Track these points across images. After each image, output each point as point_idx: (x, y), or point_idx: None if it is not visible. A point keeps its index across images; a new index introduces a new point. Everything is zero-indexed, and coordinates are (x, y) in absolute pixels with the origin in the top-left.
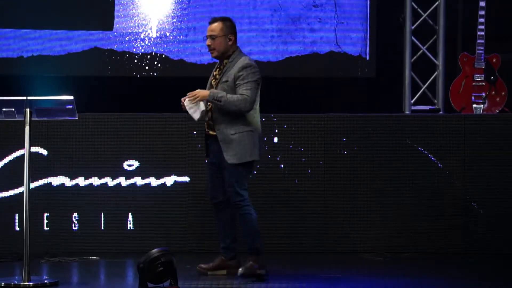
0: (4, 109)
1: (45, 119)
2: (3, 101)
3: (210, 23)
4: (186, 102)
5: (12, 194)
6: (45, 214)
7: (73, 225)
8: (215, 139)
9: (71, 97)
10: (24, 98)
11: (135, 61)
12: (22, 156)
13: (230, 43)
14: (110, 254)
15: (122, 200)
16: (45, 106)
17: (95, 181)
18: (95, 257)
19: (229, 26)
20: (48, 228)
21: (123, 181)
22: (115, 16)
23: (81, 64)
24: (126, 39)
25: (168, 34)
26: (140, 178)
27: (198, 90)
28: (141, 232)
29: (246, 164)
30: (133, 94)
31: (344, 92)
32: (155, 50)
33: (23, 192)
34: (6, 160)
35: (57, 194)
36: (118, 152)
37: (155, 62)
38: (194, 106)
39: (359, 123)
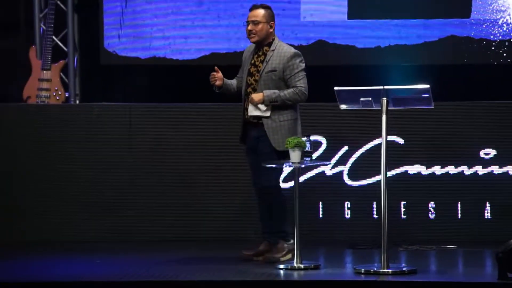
0: (362, 99)
1: (401, 108)
2: (361, 91)
3: (252, 9)
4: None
5: (370, 182)
6: (402, 202)
7: (429, 214)
8: (254, 125)
9: (427, 86)
10: (381, 87)
11: (492, 48)
12: (379, 144)
13: (271, 30)
14: (467, 243)
15: (479, 189)
16: (401, 95)
17: (451, 169)
18: (452, 246)
19: (271, 13)
20: (405, 216)
21: (479, 169)
22: (472, 4)
23: (437, 52)
24: (483, 26)
25: None
26: (497, 166)
27: (252, 96)
28: (499, 221)
29: (287, 151)
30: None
31: None
32: None
33: (380, 180)
34: (364, 149)
35: (414, 182)
36: (474, 141)
37: None
38: (253, 107)
39: None
